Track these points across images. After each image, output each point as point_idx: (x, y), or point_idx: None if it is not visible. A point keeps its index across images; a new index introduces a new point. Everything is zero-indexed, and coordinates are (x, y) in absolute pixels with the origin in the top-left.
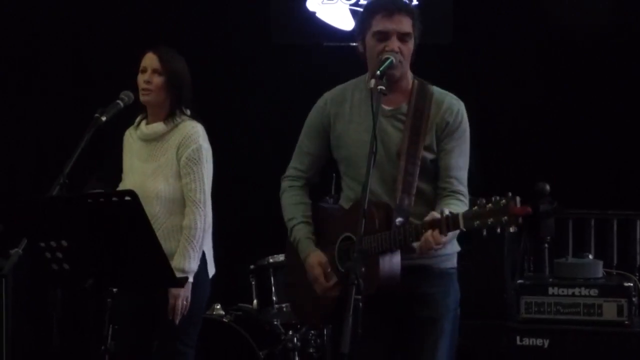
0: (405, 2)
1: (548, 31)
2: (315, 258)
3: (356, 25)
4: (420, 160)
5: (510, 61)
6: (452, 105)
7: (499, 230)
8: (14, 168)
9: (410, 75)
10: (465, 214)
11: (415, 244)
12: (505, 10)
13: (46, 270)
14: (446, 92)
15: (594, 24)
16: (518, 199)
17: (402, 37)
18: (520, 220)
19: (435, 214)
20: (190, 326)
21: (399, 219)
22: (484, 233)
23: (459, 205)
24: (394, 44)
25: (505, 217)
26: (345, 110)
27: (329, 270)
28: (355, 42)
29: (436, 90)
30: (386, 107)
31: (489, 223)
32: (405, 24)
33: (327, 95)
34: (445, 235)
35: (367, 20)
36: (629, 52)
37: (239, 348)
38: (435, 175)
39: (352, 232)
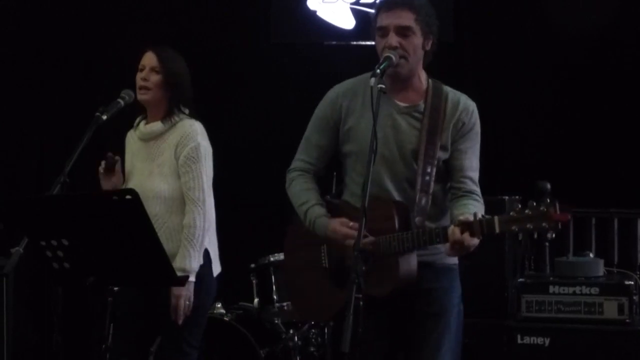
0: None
1: (549, 30)
2: (335, 221)
3: (371, 26)
4: (436, 160)
5: (511, 59)
6: (468, 105)
7: (536, 235)
8: (16, 167)
9: (424, 74)
10: (501, 218)
11: (441, 246)
12: (506, 9)
13: (47, 269)
14: (459, 92)
15: (596, 22)
16: (557, 205)
17: (402, 31)
18: (560, 226)
19: (468, 217)
20: (196, 327)
21: (418, 219)
22: (520, 237)
23: (476, 206)
24: (392, 39)
25: (545, 223)
26: (357, 105)
27: (352, 223)
28: (361, 41)
29: (449, 89)
30: (401, 104)
31: (527, 228)
32: (405, 18)
33: (338, 89)
34: (479, 238)
35: (374, 19)
36: (630, 52)
37: (240, 347)
38: (445, 176)
39: (367, 229)
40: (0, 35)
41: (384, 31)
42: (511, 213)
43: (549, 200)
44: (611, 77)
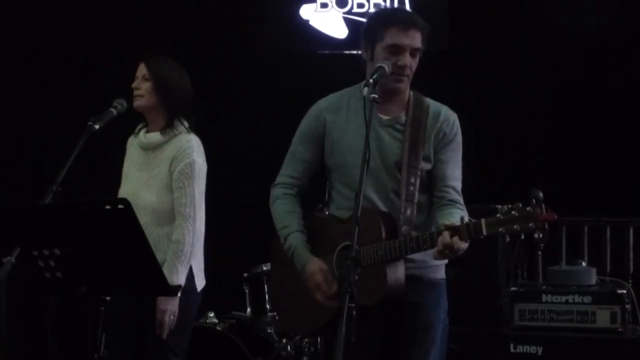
0: (419, 18)
1: (543, 38)
2: (315, 265)
3: (364, 32)
4: (419, 170)
5: (505, 68)
6: (448, 116)
7: (522, 236)
8: (16, 168)
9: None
10: (488, 221)
11: (429, 259)
12: (500, 17)
13: (39, 279)
14: (440, 103)
15: (589, 31)
16: (543, 205)
17: (414, 52)
18: (547, 226)
19: (453, 222)
20: (181, 336)
21: (404, 228)
22: (507, 239)
23: (460, 214)
24: (407, 59)
25: (532, 224)
26: (341, 118)
27: (330, 277)
28: (353, 50)
29: (430, 101)
30: (383, 117)
31: (514, 229)
32: (418, 40)
33: (322, 103)
34: (466, 241)
35: (379, 30)
36: (623, 61)
37: (233, 356)
38: (429, 186)
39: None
40: (0, 35)
41: (397, 49)
42: (497, 215)
43: (534, 201)
44: (605, 85)
